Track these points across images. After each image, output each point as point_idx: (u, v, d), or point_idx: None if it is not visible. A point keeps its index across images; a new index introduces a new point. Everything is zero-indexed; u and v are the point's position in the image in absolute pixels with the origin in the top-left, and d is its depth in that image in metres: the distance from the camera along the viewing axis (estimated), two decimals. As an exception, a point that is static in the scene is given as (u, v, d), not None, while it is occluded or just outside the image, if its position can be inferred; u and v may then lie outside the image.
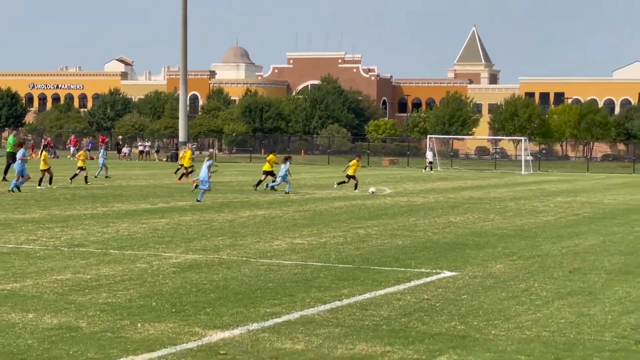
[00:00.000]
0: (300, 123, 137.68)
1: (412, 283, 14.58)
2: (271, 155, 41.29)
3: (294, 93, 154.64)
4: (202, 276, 14.79)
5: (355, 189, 38.73)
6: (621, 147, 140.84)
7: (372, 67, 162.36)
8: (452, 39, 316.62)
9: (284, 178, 37.61)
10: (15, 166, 34.86)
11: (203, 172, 31.23)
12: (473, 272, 15.99)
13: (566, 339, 10.77)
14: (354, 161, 40.43)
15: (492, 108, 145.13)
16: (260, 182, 38.73)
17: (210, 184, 31.73)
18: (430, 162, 79.71)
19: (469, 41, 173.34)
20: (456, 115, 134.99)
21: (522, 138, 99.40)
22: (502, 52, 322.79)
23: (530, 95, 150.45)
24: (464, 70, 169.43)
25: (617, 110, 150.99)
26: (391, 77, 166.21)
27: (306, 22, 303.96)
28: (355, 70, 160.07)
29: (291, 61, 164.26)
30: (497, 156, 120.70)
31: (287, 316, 11.66)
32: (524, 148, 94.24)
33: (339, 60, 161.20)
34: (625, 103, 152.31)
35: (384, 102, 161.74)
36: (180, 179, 45.09)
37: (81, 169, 40.60)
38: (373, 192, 38.06)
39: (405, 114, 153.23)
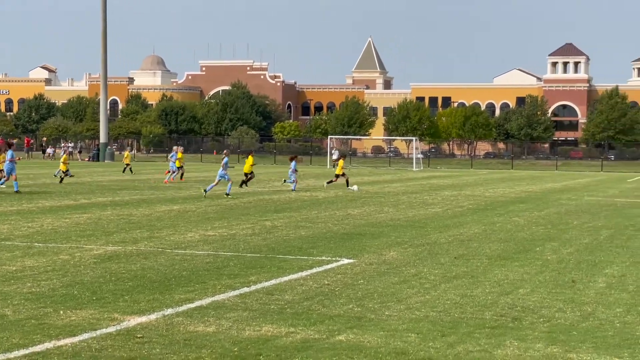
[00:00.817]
0: (212, 125, 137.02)
1: (314, 270, 14.60)
2: (250, 157, 40.05)
3: (206, 98, 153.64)
4: (121, 266, 14.59)
5: (348, 186, 38.89)
6: (501, 145, 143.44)
7: (278, 74, 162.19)
8: (351, 48, 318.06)
9: (291, 176, 37.73)
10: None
11: (220, 169, 32.60)
12: (369, 259, 16.09)
13: (451, 317, 10.91)
14: (341, 161, 40.90)
15: (387, 111, 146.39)
16: (244, 181, 37.97)
17: (228, 177, 32.63)
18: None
19: (365, 50, 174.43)
20: (354, 117, 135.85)
21: (414, 138, 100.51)
22: (395, 61, 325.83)
23: (421, 99, 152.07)
24: (361, 77, 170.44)
25: (497, 112, 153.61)
26: (295, 83, 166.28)
27: (217, 33, 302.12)
28: (262, 76, 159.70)
29: (204, 68, 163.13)
30: (391, 154, 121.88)
31: (200, 302, 11.58)
32: (415, 147, 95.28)
33: (248, 68, 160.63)
34: (505, 106, 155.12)
35: (289, 106, 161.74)
36: (180, 178, 44.60)
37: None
38: (355, 189, 37.76)
39: (308, 117, 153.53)
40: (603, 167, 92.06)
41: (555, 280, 13.88)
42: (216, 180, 33.48)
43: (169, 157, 47.52)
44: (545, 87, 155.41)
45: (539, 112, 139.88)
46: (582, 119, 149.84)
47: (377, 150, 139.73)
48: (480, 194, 38.46)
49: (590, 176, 69.39)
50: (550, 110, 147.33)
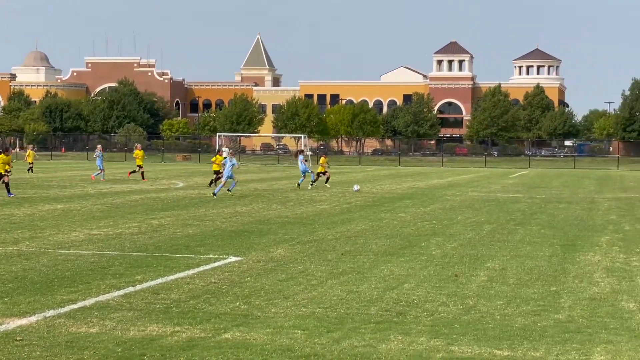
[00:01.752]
0: (99, 122, 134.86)
1: (201, 268, 14.50)
2: (218, 156, 40.13)
3: (92, 95, 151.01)
4: (1, 267, 14.18)
5: (326, 182, 38.85)
6: (388, 142, 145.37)
7: (165, 70, 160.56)
8: (240, 45, 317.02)
9: (305, 171, 37.78)
10: None
11: (227, 168, 32.57)
12: (257, 256, 16.07)
13: (337, 313, 10.98)
14: (323, 159, 40.52)
15: (276, 108, 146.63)
16: (212, 181, 37.89)
17: (231, 175, 32.61)
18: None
19: (254, 47, 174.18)
20: (243, 115, 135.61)
21: (302, 135, 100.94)
22: (284, 58, 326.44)
23: (309, 96, 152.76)
24: (250, 74, 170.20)
25: (384, 110, 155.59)
26: (184, 80, 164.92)
27: (103, 28, 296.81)
28: (150, 73, 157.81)
29: (89, 65, 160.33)
30: (280, 152, 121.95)
31: (83, 302, 11.35)
32: (303, 144, 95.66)
33: (135, 64, 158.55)
34: (392, 104, 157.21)
35: (177, 103, 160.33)
36: (142, 178, 44.58)
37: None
38: (356, 189, 36.78)
39: (196, 114, 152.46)
40: (487, 163, 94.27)
41: (439, 275, 14.12)
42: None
43: (94, 156, 47.18)
44: (431, 84, 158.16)
45: (425, 110, 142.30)
46: (466, 116, 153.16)
47: (267, 147, 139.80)
48: (367, 190, 38.84)
49: (474, 172, 70.92)
50: (436, 108, 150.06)
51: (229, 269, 14.47)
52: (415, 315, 10.87)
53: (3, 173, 30.52)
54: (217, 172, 38.26)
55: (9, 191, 30.21)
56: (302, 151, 40.51)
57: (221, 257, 15.93)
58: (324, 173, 39.78)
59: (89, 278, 13.29)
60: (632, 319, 10.74)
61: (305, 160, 38.18)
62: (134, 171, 45.24)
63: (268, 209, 27.27)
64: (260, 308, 11.23)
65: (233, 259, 15.73)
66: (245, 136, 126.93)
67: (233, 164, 32.45)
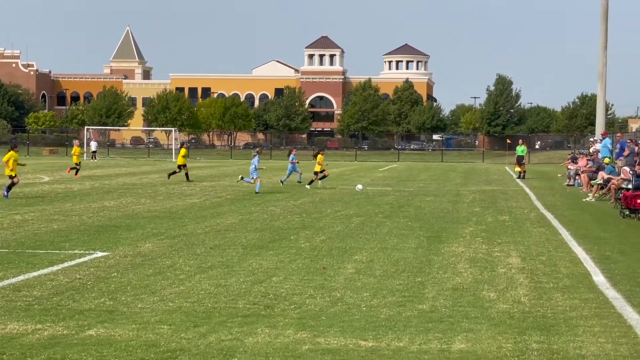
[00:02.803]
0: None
1: (66, 264, 14.19)
2: (183, 149, 41.00)
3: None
4: None
5: (321, 180, 36.70)
6: (260, 136, 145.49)
7: (31, 62, 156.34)
8: (109, 37, 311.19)
9: (293, 169, 36.44)
10: None
11: (252, 167, 32.58)
12: (124, 251, 15.83)
13: (205, 308, 10.93)
14: (320, 157, 37.16)
15: (146, 101, 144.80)
16: (174, 172, 38.85)
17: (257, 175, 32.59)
18: (94, 152, 78.83)
19: (123, 39, 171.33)
20: (112, 108, 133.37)
21: (173, 129, 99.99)
22: (155, 50, 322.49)
23: (181, 90, 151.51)
24: (119, 67, 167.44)
25: (256, 103, 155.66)
26: (50, 72, 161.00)
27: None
28: (14, 65, 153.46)
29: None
30: (150, 145, 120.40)
31: (-60, 301, 10.95)
32: (174, 138, 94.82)
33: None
34: (264, 97, 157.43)
35: (44, 96, 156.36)
36: (76, 173, 44.00)
37: None
38: (359, 189, 34.41)
39: (64, 107, 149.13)
40: (357, 156, 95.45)
41: (307, 268, 14.23)
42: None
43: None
44: (303, 78, 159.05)
45: (296, 103, 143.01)
46: (337, 110, 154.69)
47: (137, 141, 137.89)
48: (238, 184, 38.74)
49: (345, 166, 71.69)
50: (307, 102, 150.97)
51: (94, 265, 14.21)
52: (283, 308, 10.92)
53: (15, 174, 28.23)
54: (181, 167, 39.70)
55: None
56: (293, 149, 39.36)
57: (87, 252, 15.63)
58: (321, 172, 36.59)
59: (-54, 276, 12.83)
60: (492, 308, 11.07)
61: (297, 162, 37.13)
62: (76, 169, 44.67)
63: (137, 203, 26.91)
64: (126, 304, 11.07)
65: (99, 254, 15.46)
66: (115, 129, 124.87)
67: (254, 163, 32.82)
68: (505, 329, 9.88)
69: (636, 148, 33.57)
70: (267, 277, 13.24)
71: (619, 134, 44.75)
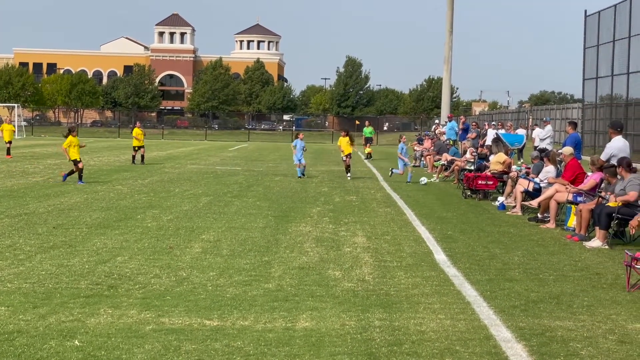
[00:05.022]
0: None
1: None
2: (137, 130, 38.42)
3: None
4: None
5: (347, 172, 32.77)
6: (108, 114, 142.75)
7: None
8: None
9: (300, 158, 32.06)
10: None
11: (298, 152, 31.39)
12: (-40, 231, 15.22)
13: (45, 288, 10.63)
14: (344, 138, 32.87)
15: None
16: (133, 157, 37.39)
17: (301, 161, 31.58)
18: None
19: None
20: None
21: (16, 105, 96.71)
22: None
23: (24, 65, 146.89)
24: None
25: (104, 80, 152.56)
26: None
27: None
28: None
29: None
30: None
31: None
32: (17, 114, 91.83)
33: None
34: (112, 74, 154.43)
35: None
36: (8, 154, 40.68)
37: None
38: (424, 182, 30.06)
39: None
40: (207, 136, 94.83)
41: (153, 247, 14.04)
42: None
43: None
44: (152, 56, 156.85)
45: (146, 81, 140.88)
46: (188, 89, 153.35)
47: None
48: (85, 162, 37.85)
49: (195, 145, 71.16)
50: (157, 80, 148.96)
51: None
52: (127, 288, 10.74)
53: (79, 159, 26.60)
54: (138, 148, 37.70)
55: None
56: (298, 134, 34.80)
57: None
58: (348, 156, 32.59)
59: None
60: (337, 287, 11.21)
61: (305, 150, 32.25)
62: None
63: (-24, 181, 25.90)
64: (-39, 285, 10.65)
65: None
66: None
67: (303, 147, 31.76)
68: (349, 307, 10.02)
69: (491, 131, 34.70)
70: (112, 257, 12.99)
71: (462, 117, 46.09)
